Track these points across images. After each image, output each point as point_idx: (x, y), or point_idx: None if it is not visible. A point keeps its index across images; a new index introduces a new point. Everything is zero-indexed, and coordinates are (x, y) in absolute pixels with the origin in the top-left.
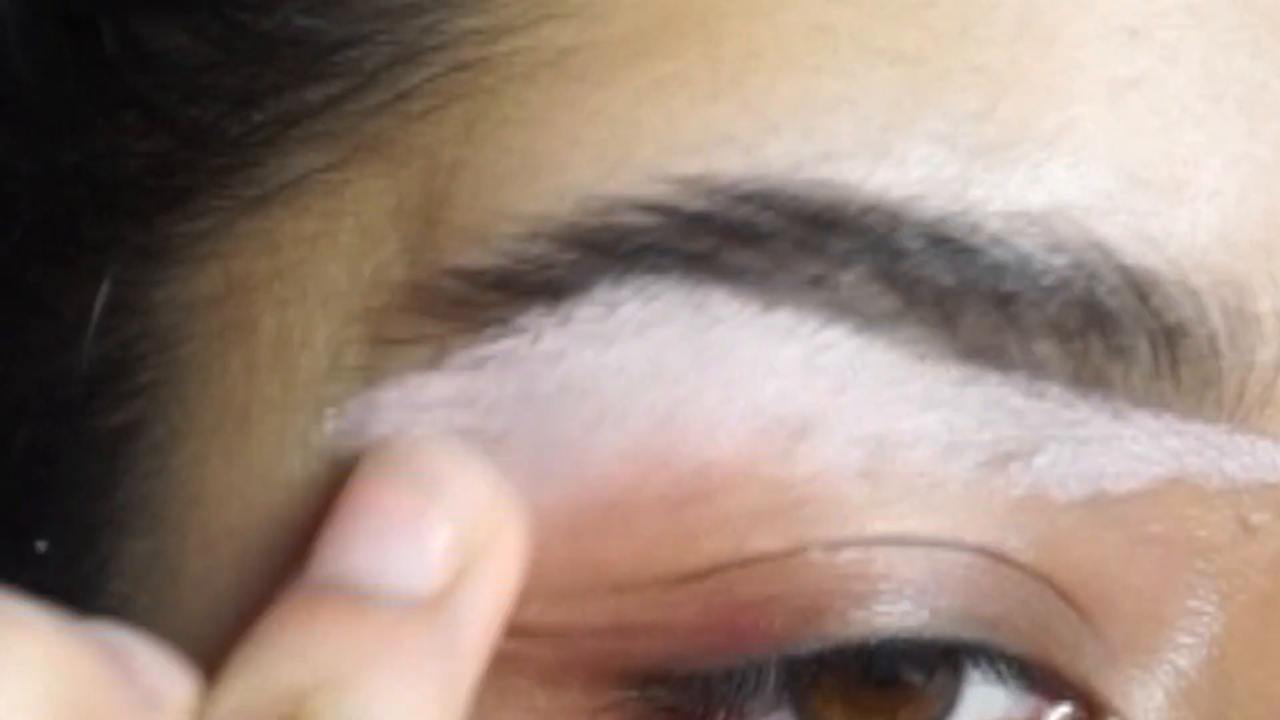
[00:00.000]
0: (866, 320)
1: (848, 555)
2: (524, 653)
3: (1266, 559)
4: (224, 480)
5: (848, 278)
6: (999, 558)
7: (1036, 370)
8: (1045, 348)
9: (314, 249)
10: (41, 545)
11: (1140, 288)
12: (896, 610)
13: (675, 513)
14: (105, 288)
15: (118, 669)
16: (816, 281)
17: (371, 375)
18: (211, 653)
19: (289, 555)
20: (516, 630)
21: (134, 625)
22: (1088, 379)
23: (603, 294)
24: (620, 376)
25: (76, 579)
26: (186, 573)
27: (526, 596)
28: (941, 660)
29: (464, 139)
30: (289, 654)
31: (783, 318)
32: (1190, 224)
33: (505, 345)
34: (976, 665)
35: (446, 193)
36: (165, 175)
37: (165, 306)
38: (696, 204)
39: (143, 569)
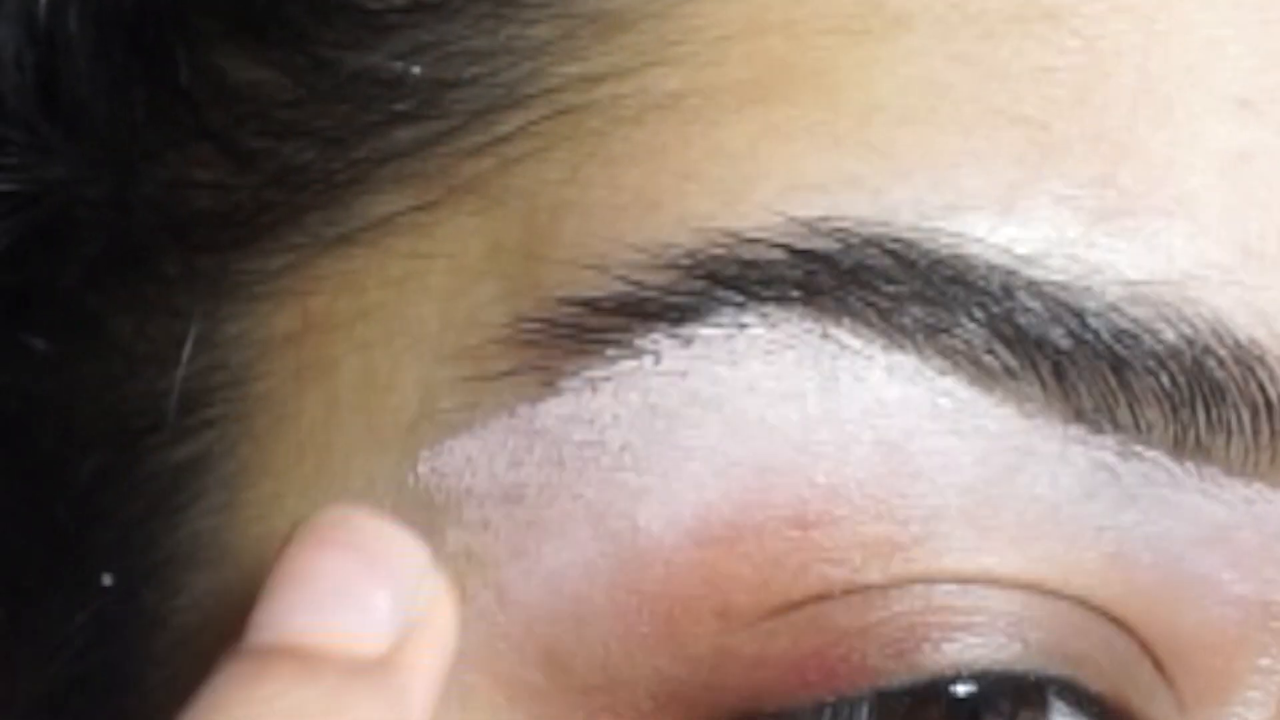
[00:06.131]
0: (982, 372)
1: (945, 588)
2: (621, 685)
3: None
4: (301, 518)
5: (965, 330)
6: (1087, 605)
7: (1140, 436)
8: (1151, 414)
9: (401, 290)
10: (107, 578)
11: (1248, 361)
12: (990, 643)
13: (802, 534)
14: (193, 328)
15: None
16: (934, 330)
17: (471, 414)
18: None
19: None
20: (619, 653)
21: (200, 665)
22: (1189, 447)
23: (727, 318)
24: (750, 394)
25: (141, 612)
26: None
27: (638, 613)
28: (1027, 697)
29: (569, 179)
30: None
31: (905, 359)
32: None
33: (625, 366)
34: (1062, 700)
35: (550, 231)
36: (239, 211)
37: (237, 342)
38: (820, 244)
39: (210, 603)
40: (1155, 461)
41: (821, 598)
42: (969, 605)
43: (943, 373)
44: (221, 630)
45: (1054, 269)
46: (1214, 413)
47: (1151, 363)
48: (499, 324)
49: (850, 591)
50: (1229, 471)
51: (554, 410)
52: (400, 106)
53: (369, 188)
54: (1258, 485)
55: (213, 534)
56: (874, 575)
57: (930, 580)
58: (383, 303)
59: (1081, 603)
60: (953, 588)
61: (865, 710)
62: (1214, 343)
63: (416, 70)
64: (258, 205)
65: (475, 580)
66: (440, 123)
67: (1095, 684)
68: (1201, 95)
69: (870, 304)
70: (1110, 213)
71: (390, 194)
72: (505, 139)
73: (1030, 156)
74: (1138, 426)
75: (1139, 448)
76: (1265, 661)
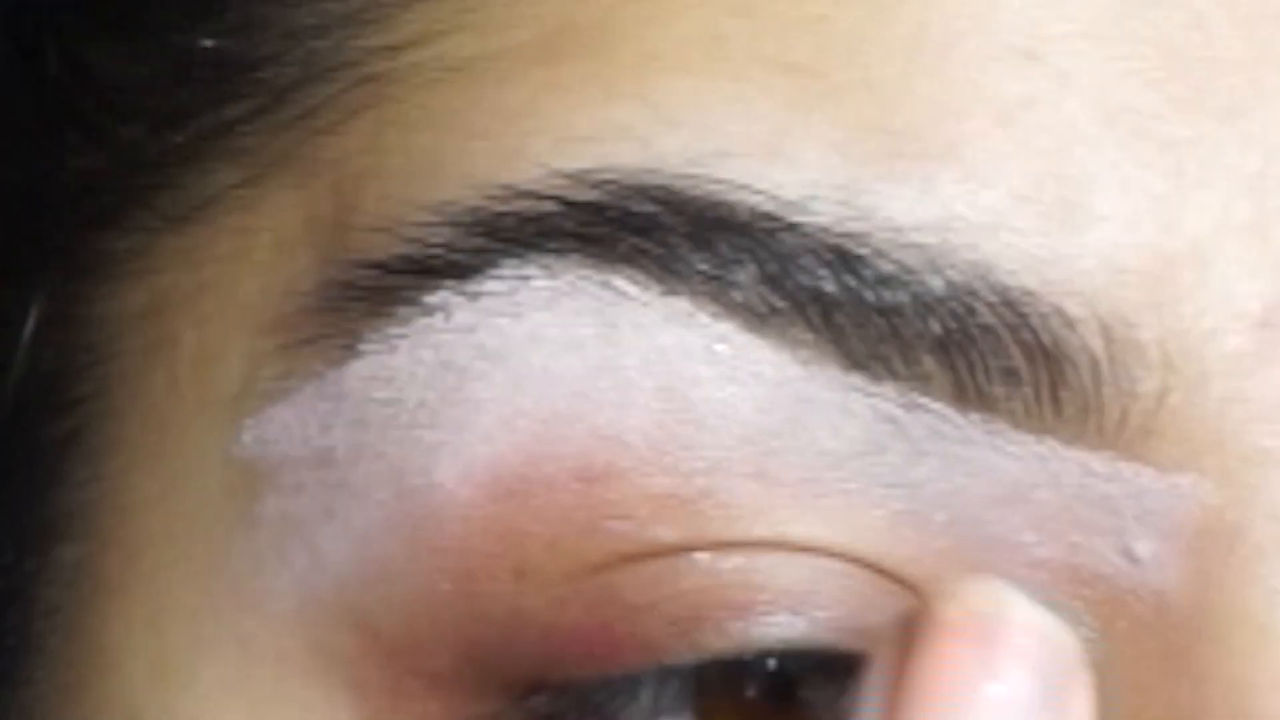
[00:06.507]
0: (756, 318)
1: (732, 562)
2: (423, 646)
3: (1148, 588)
4: (147, 491)
5: (736, 276)
6: (878, 570)
7: (920, 385)
8: (927, 362)
9: (232, 265)
10: None
11: (1018, 309)
12: (774, 621)
13: (587, 488)
14: (35, 307)
15: None
16: (706, 276)
17: (287, 381)
18: (122, 660)
19: (200, 566)
20: (423, 615)
21: (60, 634)
22: (971, 398)
23: (509, 271)
24: (534, 345)
25: (14, 587)
26: (108, 581)
27: (439, 571)
28: (838, 673)
29: (371, 147)
30: None
31: (682, 304)
32: (1075, 247)
33: (419, 325)
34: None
35: (354, 199)
36: (97, 193)
37: (100, 321)
38: (592, 194)
39: (71, 576)
40: (941, 414)
41: (610, 566)
42: (753, 582)
43: (718, 318)
44: (81, 604)
45: (820, 214)
46: (989, 361)
47: (920, 308)
48: (309, 292)
49: (640, 554)
50: (1016, 425)
51: (357, 372)
52: (221, 85)
53: (201, 166)
54: (1050, 441)
55: (80, 507)
56: (661, 531)
57: (719, 544)
58: (217, 278)
59: (873, 569)
60: (739, 561)
61: (649, 686)
62: (982, 288)
63: (233, 47)
64: (109, 187)
65: (293, 544)
66: (256, 99)
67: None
68: (982, 44)
69: (643, 251)
70: (880, 158)
71: (217, 171)
72: (314, 112)
73: (800, 102)
74: (915, 375)
75: (921, 399)
76: (1081, 630)
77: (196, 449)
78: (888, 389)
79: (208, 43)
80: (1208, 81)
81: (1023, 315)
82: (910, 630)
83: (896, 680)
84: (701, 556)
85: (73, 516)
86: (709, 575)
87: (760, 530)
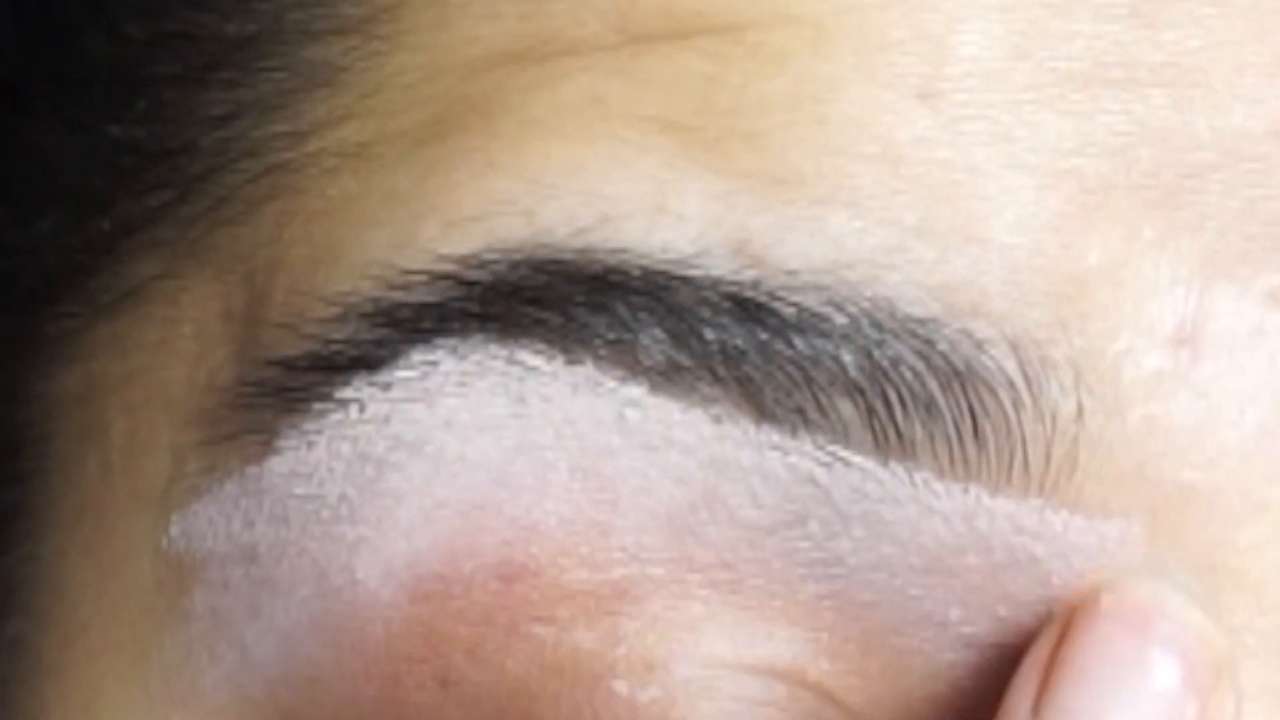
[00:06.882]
0: (662, 378)
1: (650, 693)
2: None
3: None
4: (82, 576)
5: (638, 337)
6: (799, 682)
7: (838, 435)
8: (843, 407)
9: (157, 355)
10: None
11: (925, 336)
12: None
13: (507, 587)
14: None
15: None
16: (607, 341)
17: (210, 477)
18: None
19: (133, 657)
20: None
21: (6, 707)
22: (891, 444)
23: (418, 357)
24: (449, 431)
25: None
26: (45, 661)
27: (364, 675)
28: None
29: (277, 239)
30: None
31: (587, 371)
32: (976, 273)
33: (333, 419)
34: None
35: (265, 292)
36: (25, 275)
37: (41, 399)
38: (483, 273)
39: (12, 651)
40: (863, 470)
41: (529, 685)
42: (674, 717)
43: (624, 381)
44: (21, 681)
45: (713, 266)
46: (905, 395)
47: (827, 348)
48: (227, 388)
49: (560, 663)
50: (940, 474)
51: (276, 469)
52: (136, 174)
53: (125, 255)
54: (975, 490)
55: (19, 584)
56: (580, 636)
57: (637, 664)
58: (144, 367)
59: (793, 682)
60: (657, 693)
61: None
62: (886, 320)
63: (142, 135)
64: (44, 269)
65: (222, 641)
66: (170, 189)
67: None
68: (870, 89)
69: (542, 321)
70: (767, 205)
71: (140, 261)
72: (223, 202)
73: (681, 158)
74: (832, 424)
75: (841, 451)
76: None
77: (127, 539)
78: (805, 443)
79: (114, 130)
80: (1122, 104)
81: (930, 341)
82: (1068, 617)
83: (1050, 661)
84: (620, 687)
85: (13, 592)
86: (627, 707)
87: (676, 635)
